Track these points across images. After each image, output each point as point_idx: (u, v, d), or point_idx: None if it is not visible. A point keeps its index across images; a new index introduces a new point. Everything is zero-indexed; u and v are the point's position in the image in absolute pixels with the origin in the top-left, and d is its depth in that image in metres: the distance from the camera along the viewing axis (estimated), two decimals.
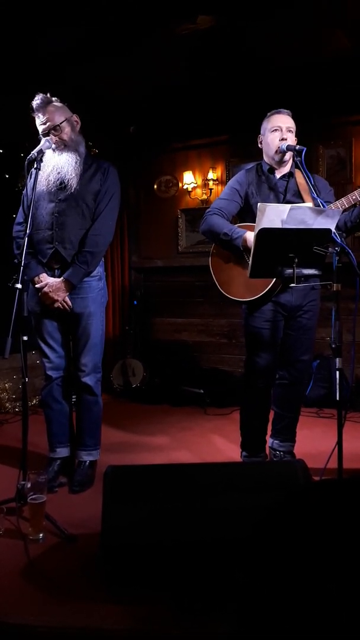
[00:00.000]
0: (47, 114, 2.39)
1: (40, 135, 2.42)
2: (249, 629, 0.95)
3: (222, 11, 3.18)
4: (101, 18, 3.17)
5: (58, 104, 2.45)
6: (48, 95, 2.42)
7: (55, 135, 2.41)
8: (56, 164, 2.42)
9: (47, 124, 2.40)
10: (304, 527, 1.12)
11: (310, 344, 2.66)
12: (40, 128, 2.42)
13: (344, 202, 2.38)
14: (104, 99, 4.30)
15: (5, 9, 2.98)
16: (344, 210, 2.38)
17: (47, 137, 2.38)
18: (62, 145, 2.43)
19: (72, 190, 2.44)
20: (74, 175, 2.43)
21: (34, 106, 2.39)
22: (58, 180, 2.43)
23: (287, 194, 2.52)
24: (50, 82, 3.50)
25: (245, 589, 1.02)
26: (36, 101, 2.38)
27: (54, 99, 2.44)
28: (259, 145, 2.58)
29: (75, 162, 2.44)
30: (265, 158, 2.57)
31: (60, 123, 2.41)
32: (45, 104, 2.39)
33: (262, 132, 2.55)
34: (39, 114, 2.40)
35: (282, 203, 2.48)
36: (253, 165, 2.64)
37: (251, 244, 2.29)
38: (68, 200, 2.46)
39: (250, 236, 2.38)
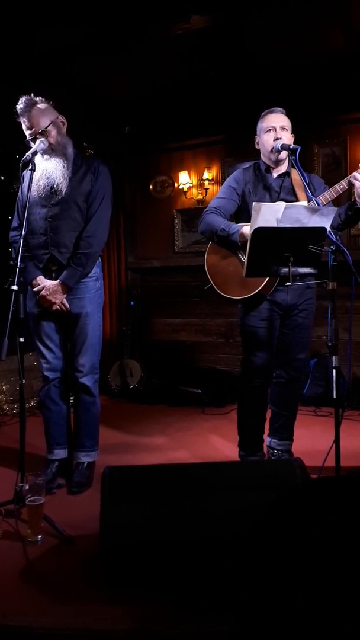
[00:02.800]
0: (32, 118, 2.35)
1: (28, 140, 2.40)
2: (247, 629, 0.95)
3: (216, 11, 3.18)
4: (96, 17, 3.16)
5: (42, 105, 2.39)
6: (32, 95, 2.37)
7: (43, 138, 2.37)
8: (45, 169, 2.40)
9: (33, 129, 2.36)
10: (302, 525, 1.12)
11: (307, 343, 2.66)
12: (27, 133, 2.39)
13: (332, 193, 2.39)
14: (99, 98, 4.29)
15: (2, 6, 2.97)
16: (333, 201, 2.39)
17: (42, 139, 2.36)
18: (50, 150, 2.40)
19: (63, 194, 2.43)
20: (62, 179, 2.41)
21: (18, 111, 2.34)
22: (48, 185, 2.41)
23: (281, 192, 2.52)
24: (46, 81, 3.50)
25: (243, 588, 1.02)
26: (19, 105, 2.33)
27: (37, 99, 2.38)
28: (256, 146, 2.59)
29: (64, 166, 2.42)
30: (262, 158, 2.58)
31: (46, 127, 2.37)
32: (29, 107, 2.34)
33: (257, 132, 2.56)
34: (24, 119, 2.36)
35: (276, 202, 2.49)
36: (250, 165, 2.64)
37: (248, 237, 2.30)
38: (60, 204, 2.44)
39: (247, 230, 2.38)
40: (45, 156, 2.40)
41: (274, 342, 2.57)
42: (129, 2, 3.03)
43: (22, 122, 2.38)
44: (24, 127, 2.39)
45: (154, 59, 3.70)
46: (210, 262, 2.61)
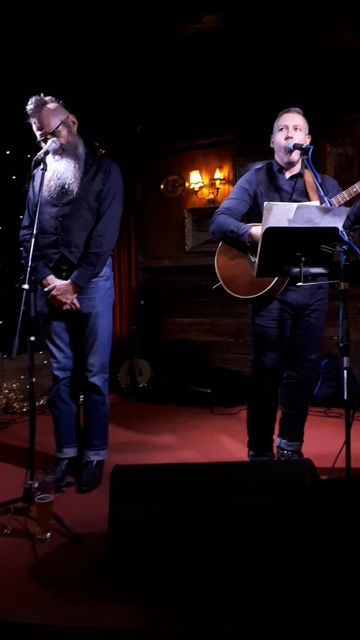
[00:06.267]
0: (42, 119, 2.35)
1: (39, 140, 2.41)
2: (253, 629, 0.94)
3: (228, 10, 3.17)
4: (106, 16, 3.17)
5: (52, 105, 2.39)
6: (42, 95, 2.37)
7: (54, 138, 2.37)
8: (56, 170, 2.40)
9: (43, 130, 2.36)
10: (310, 526, 1.12)
11: (319, 344, 2.65)
12: (37, 134, 2.40)
13: (344, 196, 2.38)
14: (110, 98, 4.30)
15: (13, 6, 2.98)
16: (345, 204, 2.38)
17: (53, 139, 2.37)
18: (61, 150, 2.40)
19: (74, 194, 2.43)
20: (74, 179, 2.41)
21: (28, 112, 2.34)
22: (59, 185, 2.42)
23: (293, 193, 2.51)
24: (58, 81, 3.51)
25: (249, 588, 1.01)
26: (29, 106, 2.34)
27: (47, 99, 2.38)
28: (271, 145, 2.58)
29: (75, 167, 2.42)
30: (275, 157, 2.57)
31: (57, 127, 2.36)
32: (39, 107, 2.34)
33: (273, 131, 2.55)
34: (34, 120, 2.36)
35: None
36: (263, 165, 2.63)
37: (257, 238, 2.29)
38: (71, 203, 2.45)
39: (255, 231, 2.38)
40: (56, 157, 2.41)
41: (284, 342, 2.56)
42: (140, 1, 3.03)
43: (32, 122, 2.38)
44: (34, 127, 2.40)
45: (164, 58, 3.70)
46: (220, 261, 2.60)
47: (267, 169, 2.59)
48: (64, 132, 2.41)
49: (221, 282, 2.57)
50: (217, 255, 2.62)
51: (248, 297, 2.49)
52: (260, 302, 2.51)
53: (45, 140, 2.39)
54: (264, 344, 2.55)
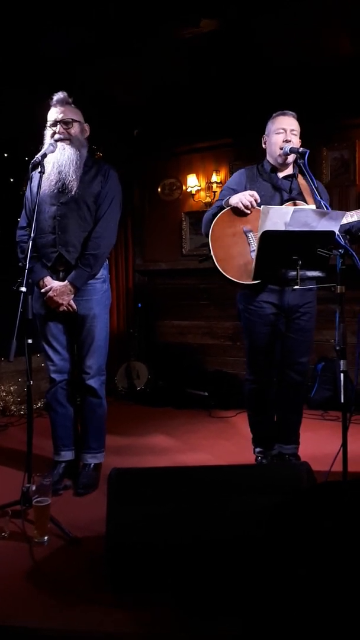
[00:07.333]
0: (64, 108, 2.48)
1: (48, 126, 2.47)
2: (253, 633, 0.94)
3: (225, 14, 3.18)
4: (107, 17, 3.18)
5: (75, 108, 2.54)
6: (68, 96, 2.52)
7: (64, 128, 2.45)
8: (57, 160, 2.42)
9: (61, 115, 2.46)
10: (306, 529, 1.12)
11: (309, 346, 2.66)
12: (51, 118, 2.47)
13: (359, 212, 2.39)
14: (108, 101, 4.31)
15: (13, 9, 2.99)
16: (344, 207, 2.39)
17: (51, 141, 2.40)
18: (68, 140, 2.45)
19: (73, 193, 2.45)
20: (74, 177, 2.44)
21: (54, 99, 2.48)
22: (59, 181, 2.43)
23: (292, 192, 2.53)
24: (57, 84, 3.52)
25: (248, 591, 1.02)
26: (58, 95, 2.48)
27: (71, 100, 2.53)
28: (263, 146, 2.59)
29: (76, 163, 2.45)
30: (268, 158, 2.59)
31: (72, 120, 2.48)
32: (65, 101, 2.49)
33: (266, 132, 2.57)
34: (58, 106, 2.48)
35: (286, 201, 2.50)
36: (253, 166, 2.65)
37: (233, 202, 2.42)
38: (69, 203, 2.47)
39: (232, 199, 2.45)
40: (61, 145, 2.43)
41: (275, 340, 2.57)
42: (138, 5, 3.04)
43: (53, 108, 2.48)
44: (52, 111, 2.47)
45: (162, 62, 3.71)
46: (216, 232, 2.51)
47: (258, 169, 2.61)
48: (76, 127, 2.49)
49: (212, 256, 2.49)
50: (214, 225, 2.52)
51: (241, 282, 2.44)
52: (253, 289, 2.51)
53: (54, 125, 2.44)
54: (254, 342, 2.58)
